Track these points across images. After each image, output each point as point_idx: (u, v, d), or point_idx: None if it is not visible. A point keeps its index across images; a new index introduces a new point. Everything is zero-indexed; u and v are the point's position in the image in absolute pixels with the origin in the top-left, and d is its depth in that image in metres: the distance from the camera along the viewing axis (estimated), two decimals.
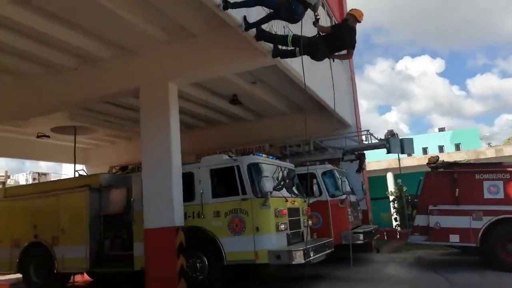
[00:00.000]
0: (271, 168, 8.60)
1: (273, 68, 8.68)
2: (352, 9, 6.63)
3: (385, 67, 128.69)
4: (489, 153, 23.71)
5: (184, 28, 7.68)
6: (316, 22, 6.67)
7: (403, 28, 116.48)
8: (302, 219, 8.95)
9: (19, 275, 10.55)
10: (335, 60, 7.42)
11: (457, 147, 41.04)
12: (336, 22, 14.56)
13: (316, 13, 6.66)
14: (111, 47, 8.39)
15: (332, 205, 10.35)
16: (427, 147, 41.35)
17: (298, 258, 7.38)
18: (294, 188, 9.33)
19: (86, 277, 11.67)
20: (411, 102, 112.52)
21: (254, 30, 6.60)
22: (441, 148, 41.98)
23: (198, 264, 8.14)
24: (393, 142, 14.30)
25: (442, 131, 49.21)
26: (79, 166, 16.76)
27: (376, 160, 25.76)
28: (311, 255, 7.76)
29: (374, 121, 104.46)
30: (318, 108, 11.97)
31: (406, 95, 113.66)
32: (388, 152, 14.43)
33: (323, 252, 8.39)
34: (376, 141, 12.56)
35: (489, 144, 42.60)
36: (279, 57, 7.16)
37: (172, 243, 7.71)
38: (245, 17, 6.44)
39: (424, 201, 9.94)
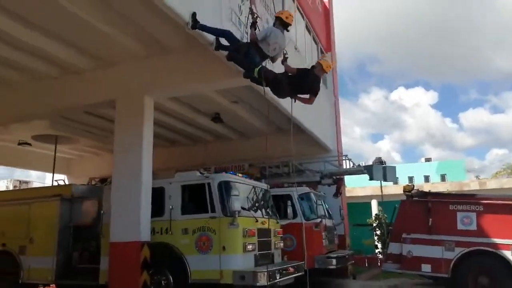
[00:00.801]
0: (244, 187, 8.58)
1: (251, 88, 8.75)
2: (322, 58, 6.79)
3: (379, 96, 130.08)
4: (473, 185, 23.81)
5: (162, 44, 7.76)
6: (284, 61, 6.78)
7: (397, 58, 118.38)
8: (274, 240, 8.88)
9: None
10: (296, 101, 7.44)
11: (443, 177, 41.30)
12: (321, 49, 14.85)
13: (284, 52, 6.77)
14: (90, 58, 8.43)
15: (307, 228, 10.29)
16: (413, 176, 41.61)
17: (263, 280, 7.30)
18: (268, 209, 9.30)
19: None
20: (404, 132, 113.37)
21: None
22: (427, 178, 42.28)
23: (163, 281, 8.01)
24: (375, 169, 14.40)
25: (429, 161, 49.72)
26: (61, 176, 16.64)
27: (361, 186, 25.77)
28: (277, 277, 7.68)
29: (367, 148, 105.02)
30: (298, 131, 12.02)
31: (399, 125, 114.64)
32: (371, 179, 14.50)
33: (291, 275, 8.30)
34: (354, 167, 12.57)
35: (477, 176, 42.97)
36: (249, 79, 7.23)
37: (137, 258, 7.58)
38: (217, 38, 6.53)
39: (398, 229, 9.93)
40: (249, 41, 6.33)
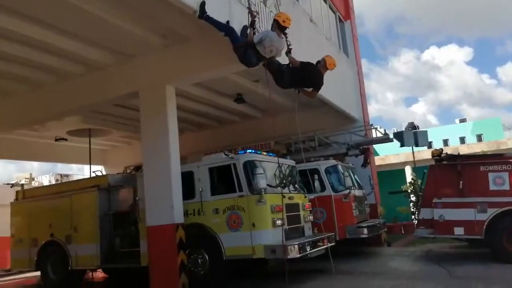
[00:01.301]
0: (269, 165, 8.76)
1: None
2: (328, 55, 6.72)
3: (410, 57, 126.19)
4: (510, 143, 23.02)
5: (178, 33, 7.93)
6: (288, 52, 6.82)
7: (427, 16, 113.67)
8: (303, 214, 9.09)
9: (38, 273, 11.15)
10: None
11: (479, 137, 39.87)
12: (340, 17, 14.56)
13: (288, 44, 6.78)
14: (112, 54, 8.75)
15: (336, 199, 10.46)
16: (448, 139, 40.44)
17: (294, 252, 7.55)
18: (296, 185, 9.48)
19: (103, 274, 12.22)
20: (439, 93, 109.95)
21: None
22: (462, 140, 40.97)
23: (199, 260, 8.43)
24: (406, 135, 14.26)
25: (464, 122, 48.03)
26: (98, 167, 17.45)
27: (394, 153, 25.45)
28: (307, 250, 7.91)
29: (401, 113, 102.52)
30: (322, 104, 12.02)
31: (434, 86, 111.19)
32: (402, 145, 14.42)
33: (322, 247, 8.51)
34: (382, 135, 12.50)
35: None
36: None
37: (172, 239, 8.00)
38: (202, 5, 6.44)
39: (428, 194, 9.91)
40: (247, 41, 6.36)
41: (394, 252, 11.96)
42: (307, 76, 6.51)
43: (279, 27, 6.41)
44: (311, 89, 6.70)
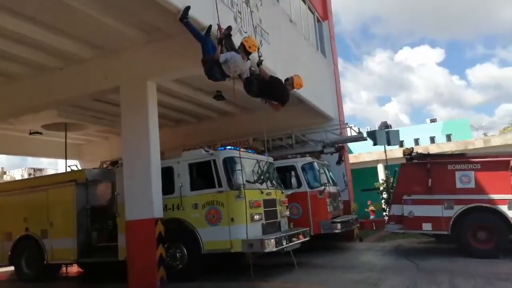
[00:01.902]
0: (248, 161, 8.98)
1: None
2: (296, 75, 7.01)
3: (384, 58, 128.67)
4: (477, 144, 23.99)
5: (161, 30, 8.01)
6: (259, 64, 7.06)
7: (401, 17, 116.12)
8: (279, 209, 9.36)
9: (11, 268, 11.03)
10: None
11: (448, 137, 41.32)
12: (318, 18, 14.87)
13: (260, 55, 7.03)
14: (92, 48, 8.75)
15: (311, 196, 10.78)
16: (419, 138, 41.71)
17: (270, 246, 7.80)
18: (273, 181, 9.73)
19: (78, 268, 12.16)
20: (411, 93, 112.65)
21: None
22: (432, 139, 42.34)
23: (177, 254, 8.60)
24: (379, 134, 14.72)
25: (434, 122, 49.68)
26: (73, 162, 17.22)
27: (367, 151, 26.10)
28: (284, 244, 8.18)
29: (374, 112, 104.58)
30: (299, 102, 12.30)
31: (406, 86, 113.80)
32: (375, 144, 14.86)
33: (297, 241, 8.80)
34: (356, 134, 12.90)
35: (485, 134, 42.91)
36: None
37: (151, 233, 8.12)
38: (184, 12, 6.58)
39: (399, 191, 10.33)
40: (214, 57, 6.56)
41: (365, 246, 12.39)
42: (274, 90, 6.79)
43: (245, 51, 6.62)
44: (276, 102, 7.00)
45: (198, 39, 6.76)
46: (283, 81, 7.02)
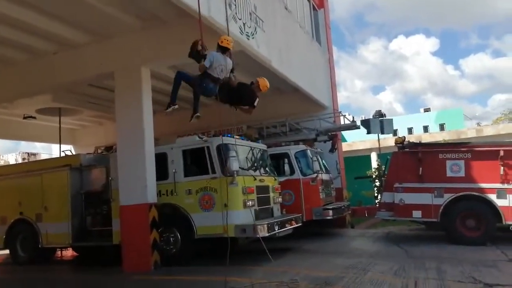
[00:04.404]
0: (241, 149, 9.07)
1: (243, 53, 9.02)
2: (261, 78, 7.06)
3: (379, 46, 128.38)
4: (470, 133, 24.22)
5: (156, 16, 8.01)
6: (231, 71, 7.02)
7: (396, 6, 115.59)
8: (272, 196, 9.48)
9: (6, 251, 11.12)
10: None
11: (442, 127, 41.61)
12: (314, 6, 14.82)
13: (233, 61, 7.04)
14: (87, 33, 8.72)
15: (304, 183, 10.91)
16: (412, 127, 41.97)
17: (263, 231, 7.94)
18: (266, 168, 9.84)
19: (73, 252, 12.29)
20: (405, 82, 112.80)
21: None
22: (426, 128, 42.62)
23: (171, 238, 8.73)
24: (373, 123, 14.84)
25: (428, 111, 49.94)
26: (67, 147, 17.22)
27: (361, 140, 26.28)
28: (276, 229, 8.32)
29: (368, 101, 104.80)
30: (294, 90, 12.36)
31: (400, 75, 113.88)
32: (368, 132, 15.01)
33: (290, 227, 8.95)
34: (349, 122, 13.01)
35: (478, 124, 43.18)
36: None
37: (145, 218, 8.23)
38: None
39: (390, 179, 10.46)
40: (199, 73, 6.61)
41: (357, 233, 12.60)
42: (243, 96, 6.94)
43: (220, 48, 6.68)
44: (247, 106, 7.13)
45: (178, 78, 6.96)
46: (250, 84, 7.16)
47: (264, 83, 6.97)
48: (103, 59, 8.83)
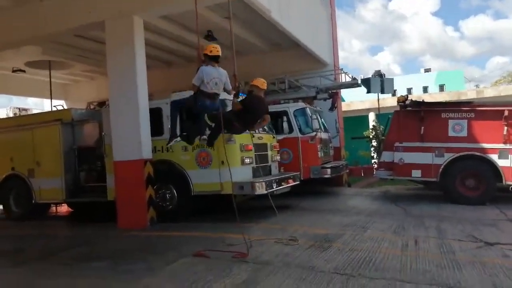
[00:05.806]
0: None
1: (243, 3, 8.53)
2: (253, 79, 6.76)
3: (378, 5, 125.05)
4: (470, 94, 23.93)
5: None
6: (234, 97, 6.74)
7: None
8: (270, 154, 9.28)
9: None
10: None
11: (441, 88, 41.22)
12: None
13: (238, 85, 6.72)
14: None
15: (302, 141, 10.69)
16: (412, 88, 41.54)
17: (261, 189, 7.79)
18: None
19: (68, 207, 12.19)
20: (404, 43, 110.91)
21: None
22: (425, 89, 42.23)
23: (167, 195, 8.58)
24: (373, 82, 14.45)
25: (428, 72, 49.31)
26: (59, 102, 16.78)
27: (360, 100, 25.97)
28: (274, 187, 8.17)
29: (366, 62, 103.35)
30: (294, 46, 11.89)
31: (399, 35, 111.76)
32: (368, 91, 14.64)
33: (287, 185, 8.80)
34: (350, 79, 12.64)
35: (476, 86, 42.81)
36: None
37: (140, 174, 8.01)
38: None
39: (391, 138, 10.27)
40: (192, 93, 6.32)
41: (354, 192, 12.55)
42: (254, 109, 6.55)
43: (210, 58, 6.26)
44: (262, 118, 6.80)
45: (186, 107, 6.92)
46: (250, 93, 6.78)
47: (261, 81, 6.79)
48: (92, 7, 8.29)
